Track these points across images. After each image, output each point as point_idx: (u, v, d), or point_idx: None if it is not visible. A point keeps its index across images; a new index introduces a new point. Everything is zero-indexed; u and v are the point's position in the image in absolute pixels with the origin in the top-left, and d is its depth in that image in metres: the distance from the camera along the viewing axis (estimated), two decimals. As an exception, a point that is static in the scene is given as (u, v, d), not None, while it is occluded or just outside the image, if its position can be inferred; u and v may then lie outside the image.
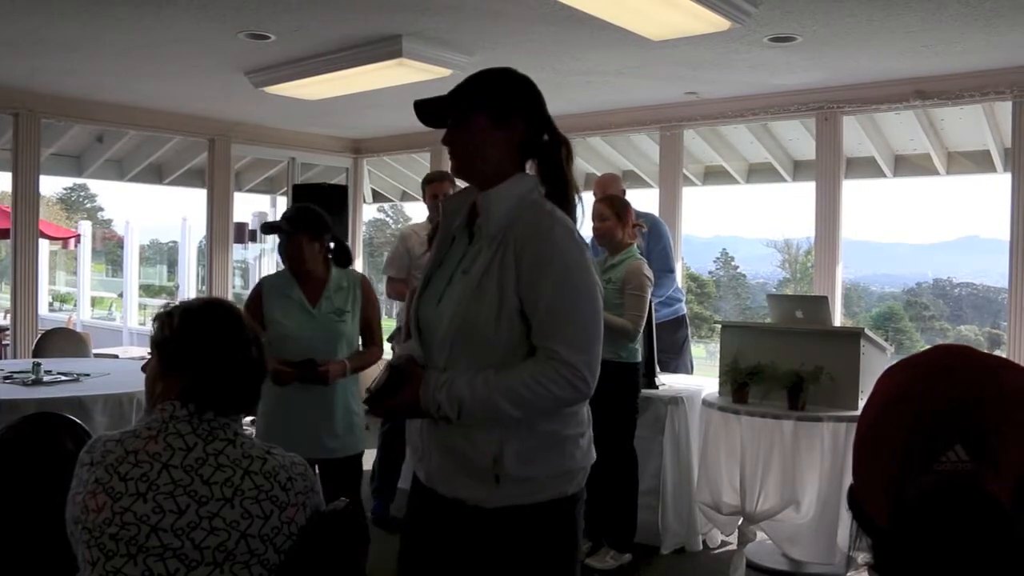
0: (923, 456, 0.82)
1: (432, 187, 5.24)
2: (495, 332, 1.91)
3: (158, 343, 1.88)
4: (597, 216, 4.53)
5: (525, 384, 1.87)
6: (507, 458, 1.91)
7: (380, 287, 5.68)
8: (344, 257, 3.92)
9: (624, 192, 5.53)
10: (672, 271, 5.65)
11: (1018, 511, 0.79)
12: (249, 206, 15.10)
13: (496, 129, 1.99)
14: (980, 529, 0.79)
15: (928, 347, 1.00)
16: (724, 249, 37.16)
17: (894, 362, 0.97)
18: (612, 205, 4.54)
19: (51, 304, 17.48)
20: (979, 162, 7.02)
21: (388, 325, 5.59)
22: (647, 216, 5.61)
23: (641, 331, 4.45)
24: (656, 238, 5.51)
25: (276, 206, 10.82)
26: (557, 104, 6.78)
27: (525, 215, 1.95)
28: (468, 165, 2.05)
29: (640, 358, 4.56)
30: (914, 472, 0.82)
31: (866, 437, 0.90)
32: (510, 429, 1.92)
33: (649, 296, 4.46)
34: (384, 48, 5.04)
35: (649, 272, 4.48)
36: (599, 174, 8.65)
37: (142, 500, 1.69)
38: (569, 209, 2.03)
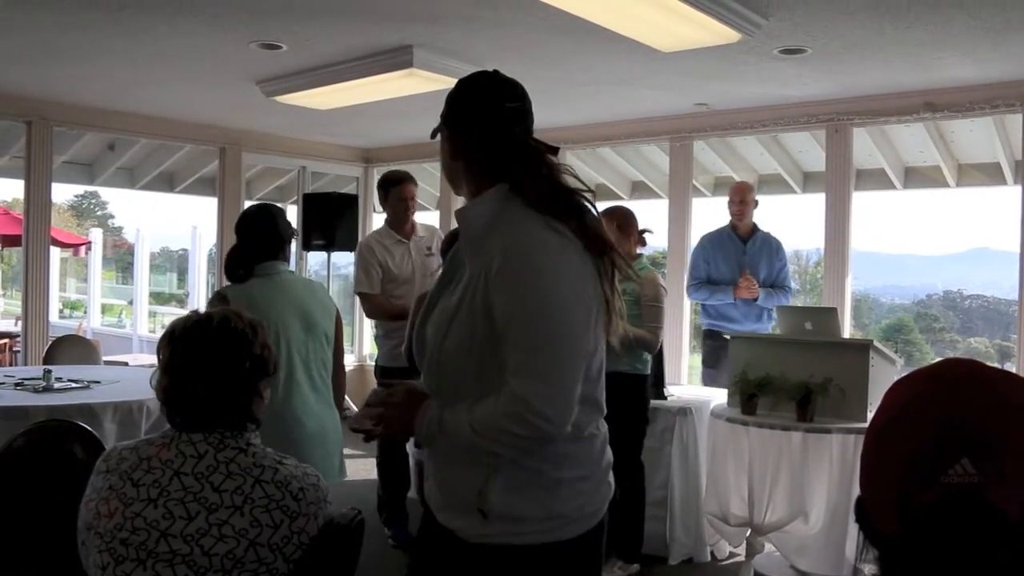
0: (930, 469, 0.83)
1: (402, 189, 4.99)
2: (467, 360, 1.76)
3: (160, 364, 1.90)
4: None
5: (478, 424, 1.69)
6: (492, 492, 1.75)
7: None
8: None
9: (755, 202, 5.86)
10: (790, 288, 5.85)
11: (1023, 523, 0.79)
12: (259, 214, 15.12)
13: (454, 142, 1.90)
14: (986, 542, 0.80)
15: (937, 360, 1.01)
16: (734, 260, 37.02)
17: (903, 374, 0.98)
18: (613, 218, 4.37)
19: (61, 311, 17.55)
20: (989, 174, 7.01)
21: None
22: (766, 235, 5.82)
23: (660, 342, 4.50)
24: (781, 256, 5.81)
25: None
26: (567, 114, 6.86)
27: (500, 229, 1.78)
28: (450, 182, 1.98)
29: (650, 370, 4.57)
30: (921, 484, 0.83)
31: (873, 449, 0.90)
32: (498, 462, 1.75)
33: (665, 306, 4.50)
34: (395, 58, 5.06)
35: (663, 283, 4.52)
36: (607, 184, 8.68)
37: (153, 506, 1.71)
38: (562, 216, 1.81)
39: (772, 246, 5.82)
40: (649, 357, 4.52)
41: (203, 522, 1.70)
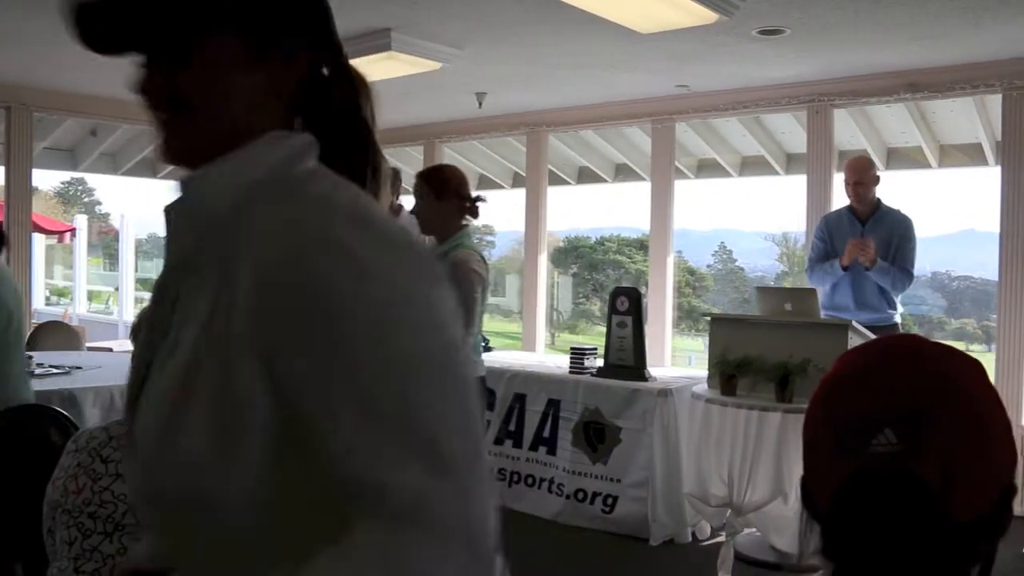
0: (857, 440, 0.84)
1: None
2: (224, 477, 0.85)
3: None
4: (416, 195, 3.71)
5: None
6: None
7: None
8: None
9: (877, 178, 5.06)
10: (911, 273, 4.99)
11: (945, 493, 0.80)
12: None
13: (251, 63, 0.96)
14: (905, 511, 0.81)
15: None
16: (722, 242, 37.19)
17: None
18: (428, 181, 3.66)
19: (48, 298, 17.49)
20: (971, 155, 7.04)
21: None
22: (890, 211, 5.02)
23: (472, 336, 3.48)
24: (907, 235, 4.97)
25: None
26: (549, 97, 6.86)
27: (264, 212, 0.89)
28: (195, 132, 0.97)
29: (482, 371, 3.81)
30: (848, 456, 0.84)
31: (808, 422, 0.92)
32: None
33: (478, 296, 3.48)
34: (374, 41, 5.05)
35: (480, 266, 3.50)
36: (591, 167, 8.69)
37: (121, 480, 1.75)
38: (372, 183, 1.06)
39: (895, 221, 5.03)
40: (475, 355, 3.66)
41: None
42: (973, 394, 0.85)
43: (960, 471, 0.81)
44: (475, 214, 3.66)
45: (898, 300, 5.07)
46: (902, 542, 0.80)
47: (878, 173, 5.10)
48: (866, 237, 4.90)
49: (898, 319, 5.09)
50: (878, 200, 5.05)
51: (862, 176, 4.99)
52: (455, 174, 3.70)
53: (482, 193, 3.87)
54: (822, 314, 4.83)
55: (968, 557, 0.83)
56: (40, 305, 12.59)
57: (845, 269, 4.96)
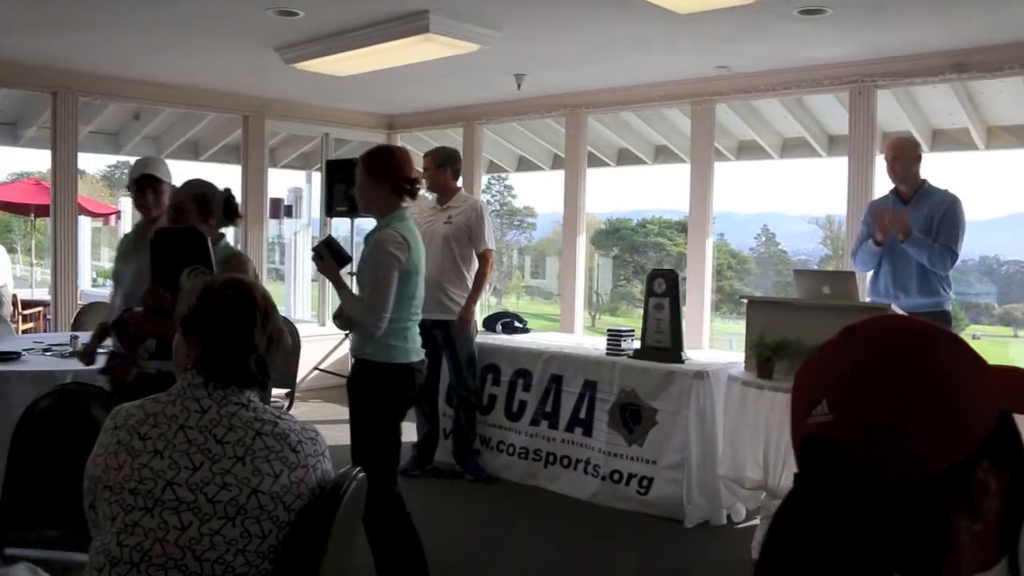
0: (804, 410, 0.90)
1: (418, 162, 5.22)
2: None
3: (180, 316, 1.98)
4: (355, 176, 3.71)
5: None
6: None
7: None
8: None
9: (918, 156, 4.94)
10: (954, 251, 4.77)
11: (864, 451, 0.85)
12: (284, 182, 15.26)
13: None
14: (832, 473, 0.86)
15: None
16: (765, 225, 36.77)
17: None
18: (364, 162, 3.64)
19: (95, 280, 17.78)
20: (1020, 137, 6.89)
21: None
22: (933, 190, 4.88)
23: (381, 325, 3.40)
24: (950, 214, 4.76)
25: (311, 182, 10.92)
26: (588, 78, 6.84)
27: None
28: None
29: (411, 358, 3.56)
30: (798, 426, 0.91)
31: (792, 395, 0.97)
32: None
33: (394, 274, 3.40)
34: (411, 23, 5.06)
35: (396, 247, 3.41)
36: (631, 148, 8.64)
37: (159, 457, 1.79)
38: None
39: (938, 198, 4.84)
40: (397, 343, 3.49)
41: (207, 472, 1.77)
42: (917, 363, 0.88)
43: (897, 432, 0.84)
44: (413, 195, 3.62)
45: (946, 285, 4.87)
46: (841, 500, 0.84)
47: (920, 152, 4.98)
48: (898, 212, 4.78)
49: (949, 306, 4.91)
50: (923, 180, 4.92)
51: (899, 152, 4.89)
52: (395, 156, 3.67)
53: (421, 175, 3.95)
54: (868, 301, 4.72)
55: (944, 502, 0.84)
56: (87, 287, 12.80)
57: (879, 244, 4.86)
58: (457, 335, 5.54)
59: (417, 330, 3.62)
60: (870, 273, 5.05)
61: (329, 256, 3.54)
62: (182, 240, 3.40)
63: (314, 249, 3.64)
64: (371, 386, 3.50)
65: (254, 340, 1.93)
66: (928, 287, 4.83)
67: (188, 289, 2.03)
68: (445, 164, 5.72)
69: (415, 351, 3.57)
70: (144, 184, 3.92)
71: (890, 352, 0.89)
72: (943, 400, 0.86)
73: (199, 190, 3.60)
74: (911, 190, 4.90)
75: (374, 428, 3.50)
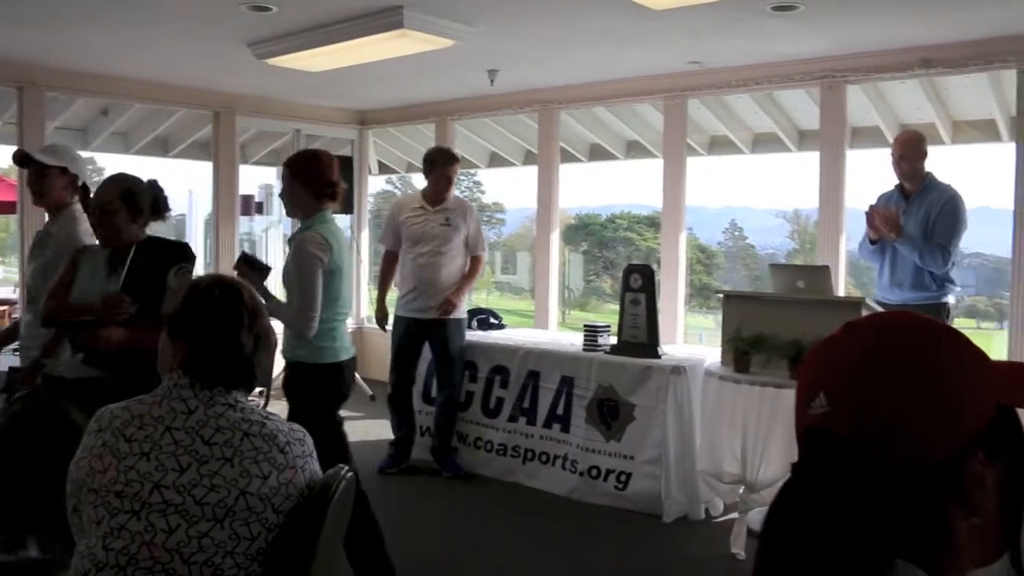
0: (806, 402, 0.92)
1: (449, 169, 5.49)
2: None
3: (165, 315, 1.95)
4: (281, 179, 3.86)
5: None
6: None
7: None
8: None
9: (924, 153, 4.91)
10: (947, 249, 4.79)
11: (858, 442, 0.87)
12: (255, 178, 15.11)
13: None
14: (826, 461, 0.89)
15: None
16: (733, 219, 36.95)
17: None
18: (289, 166, 3.79)
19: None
20: (985, 131, 6.98)
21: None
22: (934, 185, 4.88)
23: (312, 324, 3.50)
24: (946, 211, 4.80)
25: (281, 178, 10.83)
26: (560, 74, 6.83)
27: None
28: None
29: (341, 357, 3.66)
30: (801, 417, 0.94)
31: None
32: None
33: (317, 274, 3.52)
34: (386, 19, 5.03)
35: (317, 247, 3.52)
36: (602, 144, 8.65)
37: (146, 459, 1.76)
38: None
39: (937, 195, 4.85)
40: (331, 344, 3.61)
41: (195, 473, 1.75)
42: (911, 358, 0.90)
43: (890, 423, 0.86)
44: (335, 199, 3.71)
45: (941, 280, 4.88)
46: (833, 488, 0.87)
47: (926, 149, 4.97)
48: (885, 207, 4.87)
49: (949, 299, 4.92)
50: (927, 173, 4.93)
51: (906, 151, 4.91)
52: (318, 160, 3.74)
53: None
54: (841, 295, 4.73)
55: (939, 493, 0.86)
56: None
57: (873, 243, 4.95)
58: (449, 328, 5.54)
59: (345, 329, 3.75)
60: (868, 260, 5.14)
61: (249, 271, 3.55)
62: (167, 252, 3.34)
63: (234, 268, 3.63)
64: (305, 387, 3.59)
65: (241, 340, 1.91)
66: (921, 283, 4.88)
67: (174, 289, 2.01)
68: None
69: (344, 349, 3.68)
70: (26, 166, 3.74)
71: (885, 347, 0.91)
72: (936, 393, 0.88)
73: (124, 186, 3.32)
74: (916, 186, 4.93)
75: (314, 429, 3.48)
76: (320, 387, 3.58)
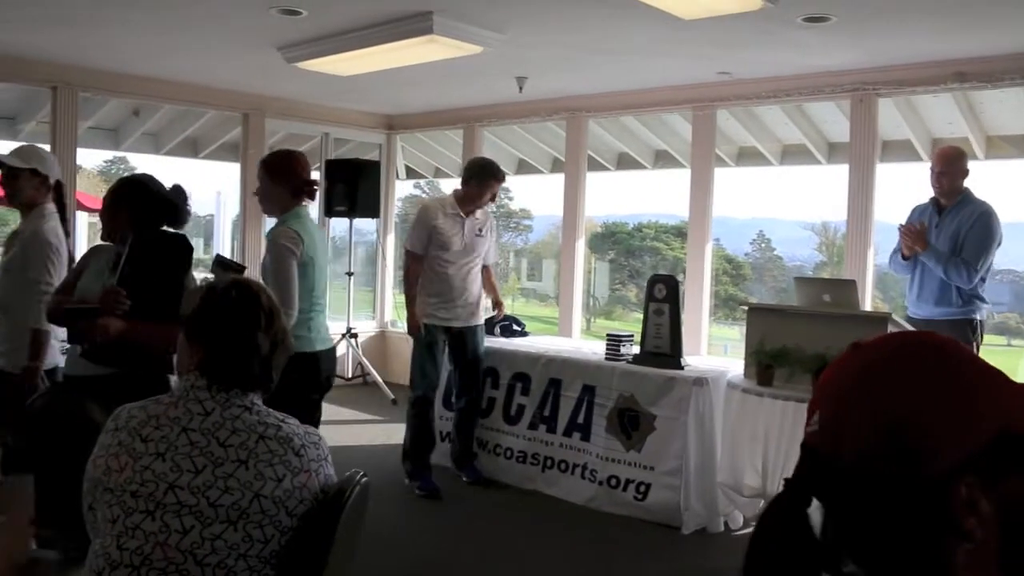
0: (807, 421, 0.94)
1: (497, 184, 5.43)
2: None
3: (184, 317, 1.96)
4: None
5: None
6: None
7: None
8: None
9: (966, 171, 4.88)
10: (974, 266, 4.73)
11: (836, 462, 0.88)
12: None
13: None
14: (815, 486, 0.90)
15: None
16: (761, 231, 36.74)
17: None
18: (264, 165, 3.97)
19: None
20: (1020, 147, 6.89)
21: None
22: (968, 201, 4.85)
23: (292, 313, 3.59)
24: (977, 226, 4.75)
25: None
26: (589, 82, 6.83)
27: None
28: None
29: (316, 347, 3.80)
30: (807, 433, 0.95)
31: None
32: None
33: (292, 268, 3.69)
34: (415, 24, 5.04)
35: (289, 241, 3.70)
36: (631, 153, 8.63)
37: (161, 459, 1.77)
38: None
39: (971, 211, 4.80)
40: (308, 334, 3.75)
41: (209, 475, 1.75)
42: (900, 380, 0.89)
43: (870, 443, 0.87)
44: (311, 196, 3.91)
45: (968, 296, 4.79)
46: (803, 503, 0.89)
47: (967, 167, 4.92)
48: (919, 220, 4.85)
49: (977, 316, 4.83)
50: (965, 188, 4.88)
51: (946, 167, 4.86)
52: (292, 160, 3.94)
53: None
54: (868, 310, 4.71)
55: (926, 516, 0.85)
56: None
57: (906, 259, 4.90)
58: (477, 335, 5.56)
59: (322, 320, 3.87)
60: (898, 272, 5.13)
61: (223, 273, 3.58)
62: (169, 248, 3.33)
63: (211, 271, 3.70)
64: (280, 377, 3.56)
65: (258, 343, 1.92)
66: (947, 298, 4.82)
67: (191, 291, 2.02)
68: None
69: (320, 340, 3.83)
70: None
71: (879, 367, 0.92)
72: (925, 415, 0.87)
73: (134, 187, 3.36)
74: (952, 201, 4.88)
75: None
76: (294, 377, 3.52)
